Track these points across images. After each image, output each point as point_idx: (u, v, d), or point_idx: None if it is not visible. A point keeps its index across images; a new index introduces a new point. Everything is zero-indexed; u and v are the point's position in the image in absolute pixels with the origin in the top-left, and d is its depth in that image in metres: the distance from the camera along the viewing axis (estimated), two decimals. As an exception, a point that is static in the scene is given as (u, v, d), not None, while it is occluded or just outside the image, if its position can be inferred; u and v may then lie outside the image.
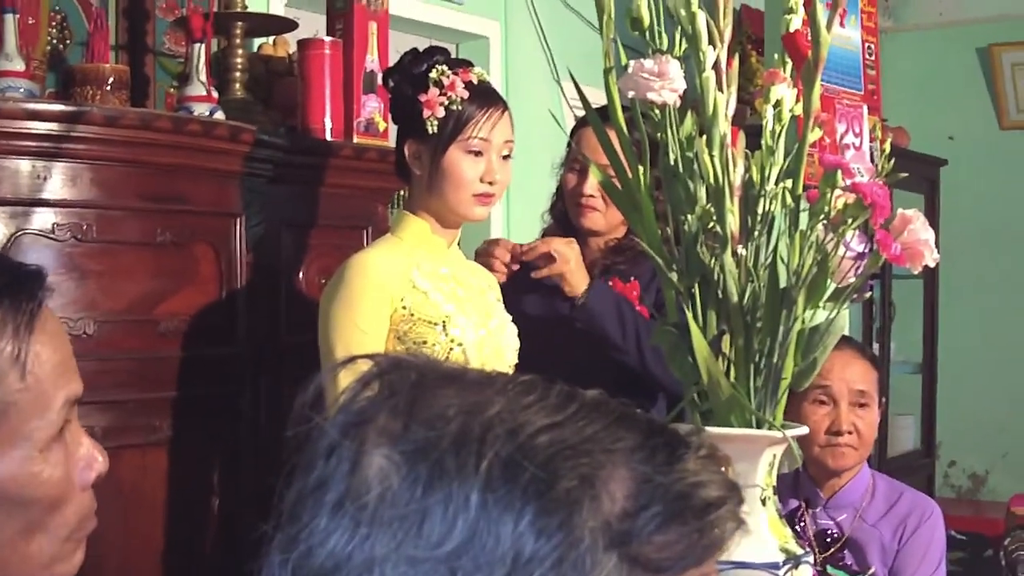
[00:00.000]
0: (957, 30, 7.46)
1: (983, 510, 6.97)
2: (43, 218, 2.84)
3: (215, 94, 3.24)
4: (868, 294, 2.01)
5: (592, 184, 3.24)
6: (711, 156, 1.90)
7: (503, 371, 1.06)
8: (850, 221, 1.86)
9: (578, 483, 0.86)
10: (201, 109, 3.16)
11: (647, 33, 1.98)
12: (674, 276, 1.96)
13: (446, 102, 2.80)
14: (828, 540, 3.17)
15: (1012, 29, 7.26)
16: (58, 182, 2.86)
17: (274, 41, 3.79)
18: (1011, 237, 7.26)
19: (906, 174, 1.97)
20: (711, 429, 1.89)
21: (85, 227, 2.90)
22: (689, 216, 1.94)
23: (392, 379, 0.92)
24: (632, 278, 3.26)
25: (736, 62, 1.98)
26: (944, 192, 7.21)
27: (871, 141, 5.08)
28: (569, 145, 3.37)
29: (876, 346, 6.48)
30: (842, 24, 4.72)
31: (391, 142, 3.32)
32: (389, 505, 0.86)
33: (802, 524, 3.17)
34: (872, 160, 4.96)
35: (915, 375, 7.18)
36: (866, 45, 5.38)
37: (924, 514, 3.16)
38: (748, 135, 2.04)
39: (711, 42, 1.91)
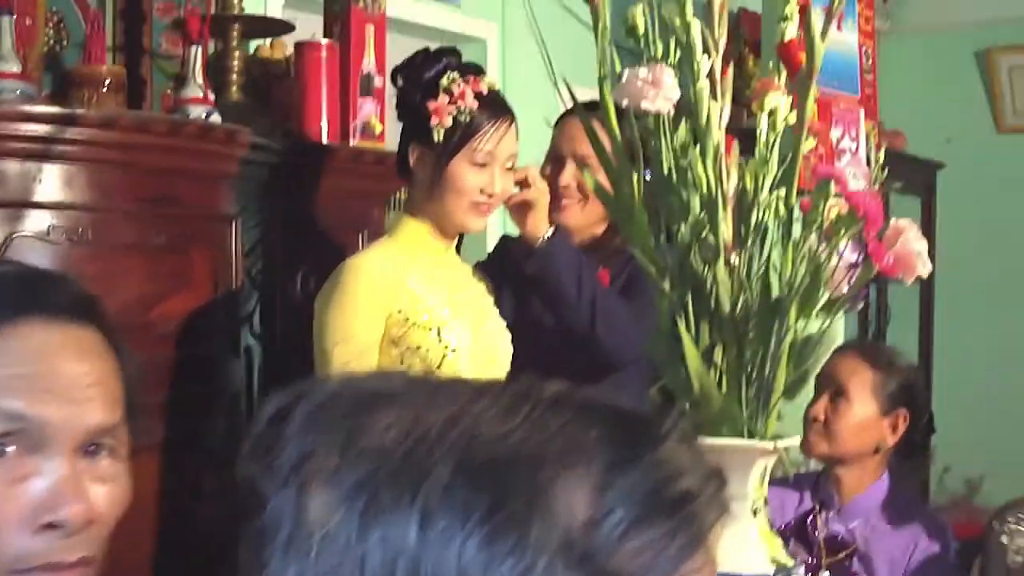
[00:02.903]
0: (955, 33, 7.46)
1: (977, 516, 6.96)
2: (38, 220, 2.83)
3: (212, 96, 3.24)
4: (861, 304, 2.00)
5: (568, 174, 3.21)
6: (704, 166, 1.90)
7: (455, 376, 0.99)
8: (843, 232, 1.86)
9: (527, 500, 0.78)
10: (198, 111, 3.16)
11: (642, 41, 1.98)
12: (667, 286, 1.96)
13: (455, 111, 2.77)
14: (838, 546, 3.18)
15: (1010, 32, 7.26)
16: (53, 184, 2.85)
17: (271, 43, 3.79)
18: (1009, 241, 7.26)
19: (900, 183, 1.96)
20: (703, 440, 1.89)
21: (80, 230, 2.89)
22: (682, 225, 1.94)
23: (328, 409, 0.86)
24: (601, 267, 3.19)
25: (731, 71, 1.98)
26: (941, 195, 7.21)
27: (868, 146, 5.08)
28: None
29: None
30: (839, 28, 4.72)
31: (388, 145, 3.32)
32: (330, 550, 0.81)
33: (813, 526, 3.19)
34: (869, 164, 4.96)
35: (911, 379, 7.16)
36: (863, 49, 5.37)
37: (937, 536, 3.18)
38: (744, 139, 2.04)
39: (706, 51, 1.91)
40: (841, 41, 5.17)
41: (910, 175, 6.87)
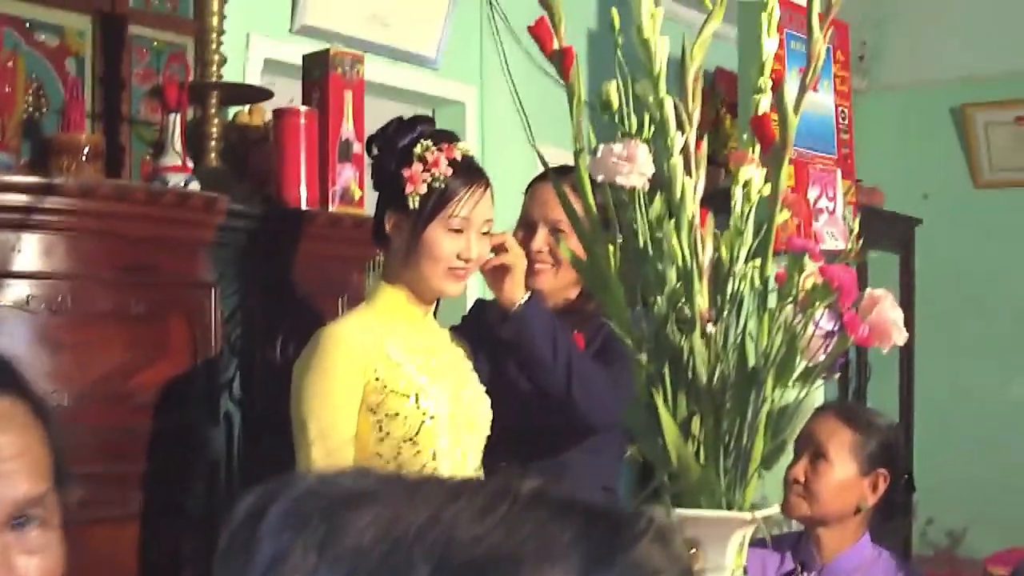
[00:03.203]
0: (931, 90, 7.52)
1: (960, 567, 6.97)
2: (17, 290, 2.84)
3: (190, 164, 3.25)
4: (838, 374, 2.01)
5: (540, 240, 3.23)
6: (679, 239, 1.91)
7: (433, 474, 0.97)
8: (818, 303, 1.87)
9: None
10: (176, 179, 3.17)
11: (616, 116, 1.99)
12: (643, 358, 1.96)
13: (429, 179, 2.79)
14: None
15: (985, 89, 7.32)
16: (32, 253, 2.86)
17: (250, 109, 3.80)
18: (986, 295, 7.30)
19: (878, 240, 1.98)
20: (681, 511, 1.90)
21: (59, 299, 2.90)
22: (659, 297, 1.95)
23: (304, 508, 0.85)
24: (576, 332, 3.21)
25: (705, 144, 2.00)
26: (919, 251, 7.25)
27: (845, 205, 5.11)
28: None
29: (853, 406, 6.49)
30: (815, 89, 4.76)
31: (367, 210, 3.33)
32: None
33: (793, 587, 3.20)
34: (847, 222, 4.99)
35: (892, 434, 7.18)
36: (839, 109, 5.42)
37: None
38: (721, 199, 2.05)
39: (679, 126, 1.92)
40: (817, 102, 5.22)
41: (888, 232, 6.91)
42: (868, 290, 1.96)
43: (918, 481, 7.08)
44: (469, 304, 3.59)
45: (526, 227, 3.27)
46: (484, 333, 3.16)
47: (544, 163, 2.32)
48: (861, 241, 2.06)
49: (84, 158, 3.11)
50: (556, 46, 2.04)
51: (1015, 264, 7.27)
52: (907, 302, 7.09)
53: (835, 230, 4.85)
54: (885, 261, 6.89)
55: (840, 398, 6.36)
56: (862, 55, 7.44)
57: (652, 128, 1.98)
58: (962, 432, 7.27)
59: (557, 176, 2.39)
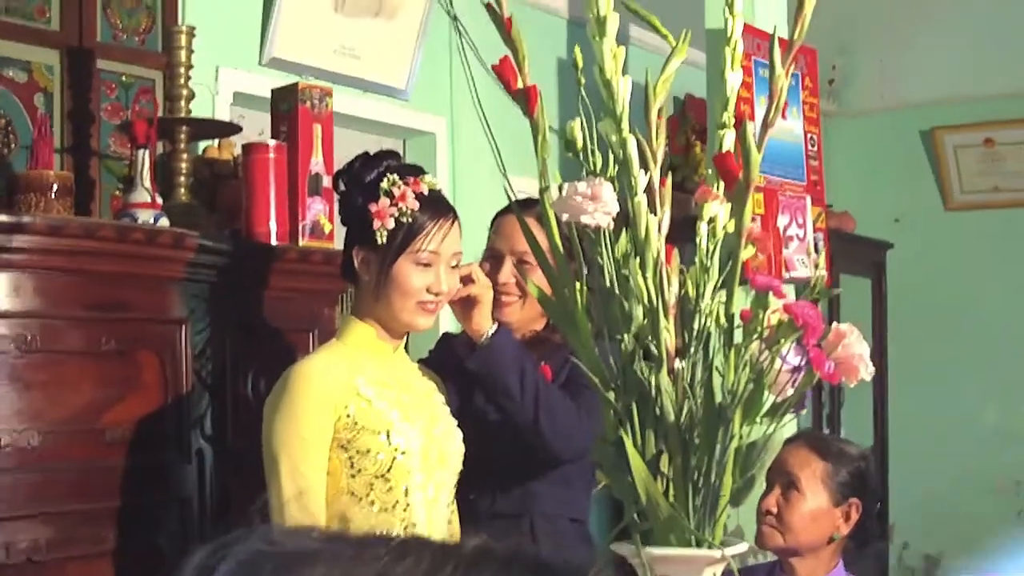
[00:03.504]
0: (901, 113, 7.56)
1: (937, 591, 7.01)
2: (-15, 330, 2.83)
3: (159, 200, 3.25)
4: (804, 411, 2.01)
5: (507, 272, 3.24)
6: (645, 277, 1.91)
7: (377, 532, 0.97)
8: (783, 340, 1.87)
9: None
10: (145, 216, 3.17)
11: (580, 155, 2.00)
12: (611, 395, 1.97)
13: (396, 213, 2.78)
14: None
15: (954, 112, 7.37)
16: (0, 292, 2.85)
17: (219, 143, 3.80)
18: (958, 318, 7.33)
19: (840, 290, 1.98)
20: (651, 549, 1.90)
21: (29, 337, 2.89)
22: (625, 335, 1.95)
23: (252, 569, 0.85)
24: (543, 363, 3.21)
25: (670, 180, 2.00)
26: (891, 275, 7.28)
27: (815, 231, 5.13)
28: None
29: (826, 431, 6.51)
30: (783, 116, 4.78)
31: (337, 244, 3.32)
32: None
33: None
34: (816, 250, 5.01)
35: (867, 458, 7.20)
36: (808, 136, 5.44)
37: None
38: (690, 227, 2.06)
39: (643, 165, 1.93)
40: (786, 129, 5.23)
41: (860, 256, 6.95)
42: (834, 325, 1.96)
43: (893, 505, 7.13)
44: (439, 327, 3.59)
45: (492, 259, 3.28)
46: (452, 365, 3.16)
47: (509, 196, 2.33)
48: (829, 270, 2.06)
49: (53, 195, 3.11)
50: (520, 84, 2.04)
51: (987, 286, 7.31)
52: (879, 326, 7.12)
53: (805, 257, 4.85)
54: (857, 285, 6.92)
55: (813, 424, 6.38)
56: (831, 79, 7.49)
57: (617, 166, 1.98)
58: (937, 456, 7.30)
59: (521, 209, 2.40)
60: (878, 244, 7.21)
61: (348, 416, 2.74)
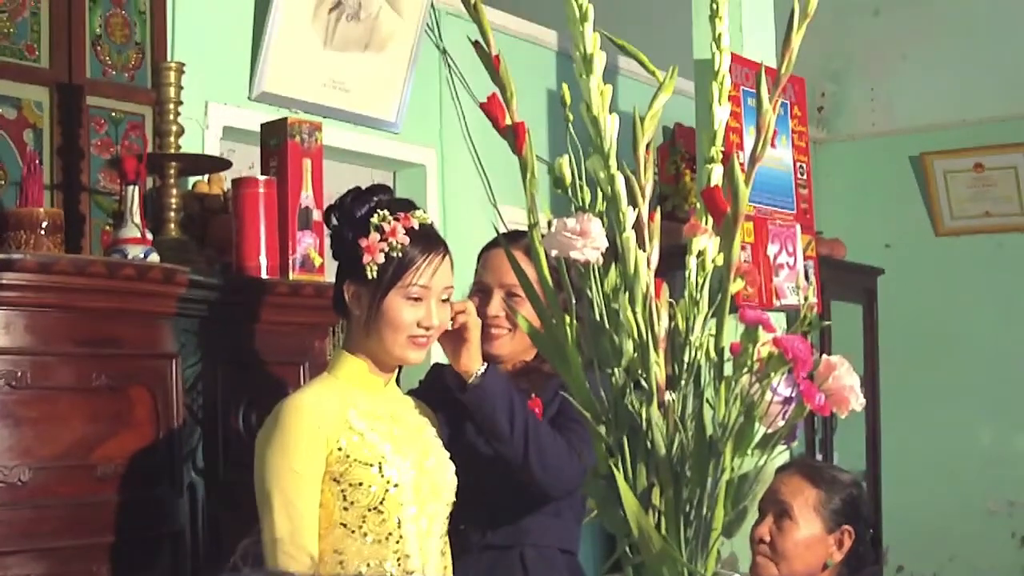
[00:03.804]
0: (890, 139, 7.59)
1: (931, 614, 7.01)
2: (-24, 367, 2.84)
3: (149, 236, 3.25)
4: (796, 442, 2.02)
5: (496, 305, 3.24)
6: (634, 312, 1.92)
7: None
8: (773, 373, 1.88)
9: None
10: (136, 252, 3.17)
11: (569, 191, 2.00)
12: (602, 429, 1.97)
13: (387, 248, 2.78)
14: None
15: (944, 138, 7.40)
16: (-9, 330, 2.86)
17: (209, 178, 3.80)
18: (949, 342, 7.34)
19: (830, 322, 1.99)
20: (642, 583, 1.90)
21: (20, 374, 2.89)
22: (616, 369, 1.95)
23: None
24: (533, 395, 3.21)
25: (658, 215, 2.01)
26: (882, 300, 7.29)
27: (805, 259, 5.14)
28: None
29: (819, 456, 6.51)
30: (772, 145, 4.79)
31: (327, 277, 3.33)
32: None
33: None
34: (807, 278, 5.02)
35: (860, 483, 7.21)
36: (797, 164, 5.45)
37: None
38: (680, 255, 2.06)
39: (631, 201, 1.93)
40: (775, 158, 5.24)
41: (851, 282, 6.96)
42: (824, 357, 1.96)
43: (887, 529, 7.13)
44: (431, 360, 3.59)
45: (480, 292, 3.27)
46: (442, 395, 3.16)
47: (497, 230, 2.33)
48: (820, 296, 2.06)
49: (43, 232, 3.11)
50: (508, 121, 2.05)
51: (978, 310, 7.32)
52: (871, 351, 7.13)
53: (796, 285, 4.86)
54: (848, 311, 6.93)
55: (806, 450, 6.38)
56: (821, 106, 7.52)
57: (605, 201, 1.98)
58: (930, 479, 7.31)
59: (509, 242, 2.40)
60: (869, 270, 7.23)
61: (340, 449, 2.75)
